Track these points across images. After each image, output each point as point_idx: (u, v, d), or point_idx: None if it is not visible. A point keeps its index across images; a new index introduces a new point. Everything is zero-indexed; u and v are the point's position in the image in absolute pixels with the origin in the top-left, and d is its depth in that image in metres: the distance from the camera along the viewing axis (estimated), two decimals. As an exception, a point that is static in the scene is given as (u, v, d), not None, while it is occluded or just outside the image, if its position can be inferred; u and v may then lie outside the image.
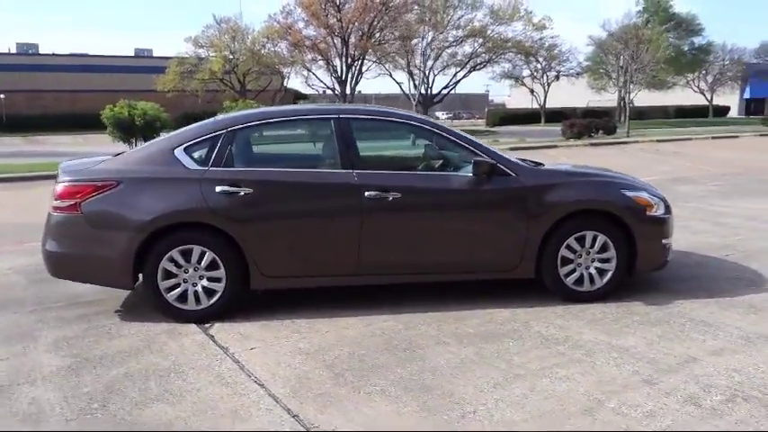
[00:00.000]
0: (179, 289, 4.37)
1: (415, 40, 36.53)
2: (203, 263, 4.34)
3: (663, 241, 4.77)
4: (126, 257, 4.29)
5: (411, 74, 38.96)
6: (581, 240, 4.61)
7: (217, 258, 4.33)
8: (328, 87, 35.83)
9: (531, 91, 51.16)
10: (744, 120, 49.20)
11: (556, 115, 45.44)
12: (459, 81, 41.32)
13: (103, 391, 3.36)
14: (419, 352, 3.82)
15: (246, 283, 4.44)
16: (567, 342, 3.93)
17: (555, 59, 48.37)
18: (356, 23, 32.15)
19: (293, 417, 3.07)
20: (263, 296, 4.81)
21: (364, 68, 35.81)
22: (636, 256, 4.65)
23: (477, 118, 65.52)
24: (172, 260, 4.32)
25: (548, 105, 51.12)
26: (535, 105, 53.78)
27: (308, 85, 37.38)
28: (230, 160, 4.47)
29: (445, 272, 4.69)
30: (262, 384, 3.42)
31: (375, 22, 32.73)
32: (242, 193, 4.34)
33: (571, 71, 51.31)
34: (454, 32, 38.46)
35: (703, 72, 55.14)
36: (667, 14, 47.95)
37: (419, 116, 5.44)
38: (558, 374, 3.47)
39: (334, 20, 32.12)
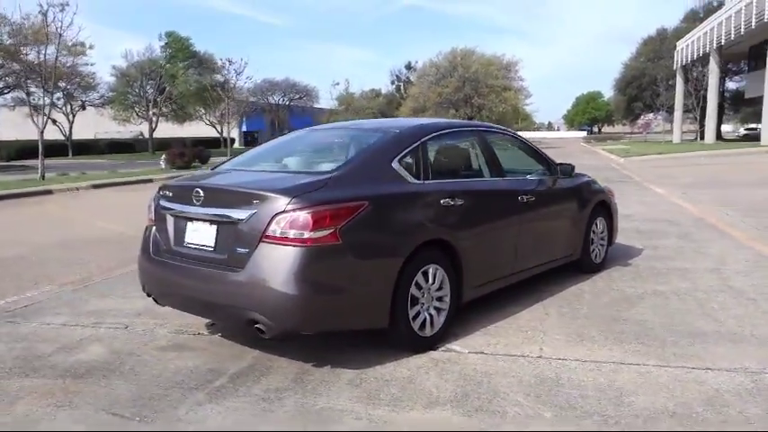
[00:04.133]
0: (421, 315, 3.82)
1: None
2: (436, 282, 3.91)
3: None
4: (387, 288, 3.56)
5: None
6: (597, 225, 5.95)
7: (445, 275, 3.97)
8: None
9: (54, 121, 46.55)
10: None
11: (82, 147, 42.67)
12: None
13: None
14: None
15: (459, 297, 4.16)
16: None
17: (86, 87, 45.52)
18: None
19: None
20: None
21: None
22: (613, 229, 6.28)
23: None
24: (416, 284, 3.77)
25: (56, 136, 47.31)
26: (59, 136, 49.10)
27: None
28: (430, 171, 4.14)
29: (547, 263, 5.27)
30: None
31: None
32: (458, 205, 4.10)
33: (96, 101, 49.16)
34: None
35: (211, 108, 60.15)
36: (189, 52, 51.09)
37: (507, 129, 5.80)
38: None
39: None
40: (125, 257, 6.90)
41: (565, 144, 57.69)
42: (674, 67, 52.79)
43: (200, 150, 27.14)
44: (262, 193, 3.41)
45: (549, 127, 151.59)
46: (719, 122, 49.75)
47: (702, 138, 47.59)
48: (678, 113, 51.17)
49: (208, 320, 4.50)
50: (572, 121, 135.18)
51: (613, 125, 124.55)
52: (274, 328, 3.33)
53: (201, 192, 3.64)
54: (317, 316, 3.37)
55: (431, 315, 3.89)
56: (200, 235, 3.66)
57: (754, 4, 33.90)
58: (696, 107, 40.52)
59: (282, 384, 3.40)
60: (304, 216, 3.27)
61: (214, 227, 3.59)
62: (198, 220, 3.69)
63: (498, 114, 53.22)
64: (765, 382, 3.31)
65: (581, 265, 5.73)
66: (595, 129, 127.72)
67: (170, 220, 3.87)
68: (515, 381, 3.39)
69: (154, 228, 4.02)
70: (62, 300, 5.29)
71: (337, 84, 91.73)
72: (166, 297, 3.95)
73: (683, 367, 3.54)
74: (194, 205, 3.67)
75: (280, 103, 76.51)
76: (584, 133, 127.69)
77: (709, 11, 55.82)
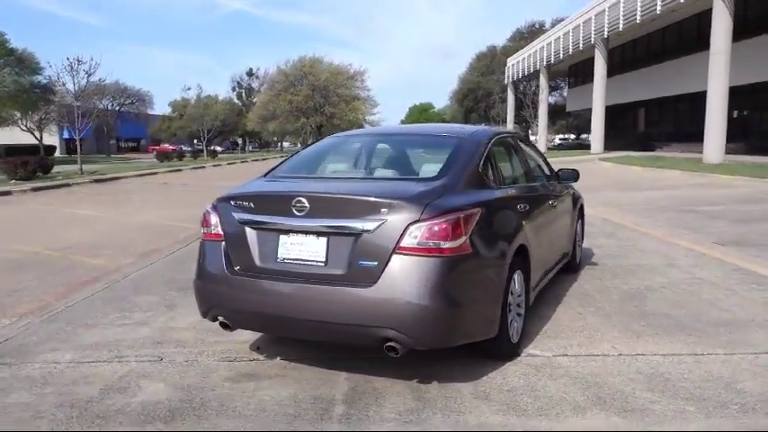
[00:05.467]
0: (513, 322, 3.82)
1: None
2: (519, 288, 3.92)
3: None
4: (500, 296, 3.52)
5: None
6: (578, 226, 6.33)
7: (523, 281, 4.00)
8: None
9: None
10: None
11: None
12: None
13: None
14: (656, 313, 4.85)
15: (527, 301, 4.19)
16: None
17: None
18: None
19: None
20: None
21: None
22: (583, 230, 6.71)
23: None
24: (510, 291, 3.75)
25: None
26: None
27: None
28: (501, 177, 4.16)
29: (559, 263, 5.47)
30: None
31: None
32: (526, 210, 4.17)
33: None
34: None
35: (30, 112, 54.04)
36: (6, 49, 45.39)
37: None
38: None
39: None
40: (69, 280, 6.02)
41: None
42: (506, 82, 57.48)
43: (41, 159, 24.22)
44: (392, 201, 3.17)
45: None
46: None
47: (534, 147, 52.29)
48: (510, 125, 55.70)
49: (251, 341, 4.09)
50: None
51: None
52: (412, 344, 3.12)
53: (306, 201, 3.28)
54: (454, 329, 3.21)
55: (515, 321, 3.88)
56: (305, 249, 3.30)
57: (570, 33, 38.16)
58: (533, 119, 44.38)
59: (410, 405, 3.19)
60: (442, 225, 3.11)
61: (323, 239, 3.27)
62: (299, 232, 3.33)
63: (348, 123, 54.04)
64: (824, 360, 3.74)
65: (570, 265, 6.04)
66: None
67: (251, 234, 3.45)
68: (626, 379, 3.50)
69: (223, 244, 3.55)
70: (42, 334, 4.48)
71: (189, 89, 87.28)
72: (248, 320, 3.52)
73: (749, 353, 3.88)
74: (294, 216, 3.31)
75: (109, 108, 70.80)
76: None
77: (533, 32, 61.64)
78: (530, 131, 47.22)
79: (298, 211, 3.28)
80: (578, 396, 3.28)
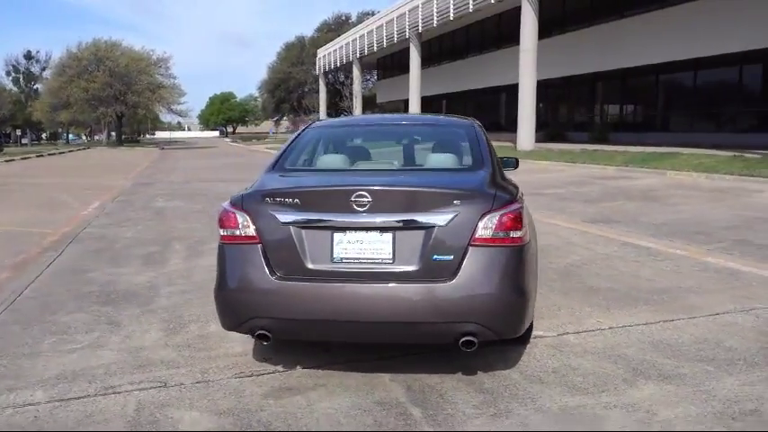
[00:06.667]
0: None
1: None
2: None
3: None
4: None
5: None
6: None
7: None
8: None
9: None
10: None
11: None
12: None
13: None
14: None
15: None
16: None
17: None
18: None
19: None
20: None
21: None
22: None
23: None
24: None
25: None
26: None
27: None
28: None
29: None
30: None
31: None
32: None
33: None
34: None
35: None
36: None
37: None
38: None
39: None
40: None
41: (215, 144, 58.00)
42: (317, 73, 57.99)
43: None
44: (465, 192, 3.10)
45: (180, 127, 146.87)
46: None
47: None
48: (322, 115, 56.39)
49: (248, 353, 3.72)
50: (207, 120, 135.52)
51: (247, 125, 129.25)
52: (492, 336, 3.09)
53: (369, 195, 3.05)
54: (526, 317, 3.23)
55: None
56: (366, 246, 3.07)
57: (384, 26, 39.79)
58: (352, 110, 45.27)
59: (480, 398, 3.15)
60: (510, 215, 3.10)
61: (388, 235, 3.07)
62: (359, 229, 3.08)
63: (153, 113, 50.49)
64: (763, 317, 4.41)
65: None
66: (230, 129, 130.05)
67: (298, 234, 3.11)
68: (638, 349, 3.81)
69: (259, 246, 3.15)
70: (-25, 371, 3.61)
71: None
72: (298, 328, 3.17)
73: (705, 315, 4.44)
74: (354, 212, 3.05)
75: None
76: (217, 133, 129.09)
77: (340, 24, 62.85)
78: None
79: (358, 206, 3.05)
80: (616, 369, 3.50)
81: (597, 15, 27.27)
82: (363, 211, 3.05)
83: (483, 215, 3.06)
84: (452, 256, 3.03)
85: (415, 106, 35.63)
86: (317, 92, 57.55)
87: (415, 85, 35.78)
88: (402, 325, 3.05)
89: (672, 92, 26.64)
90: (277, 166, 3.75)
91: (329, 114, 56.98)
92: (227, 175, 19.21)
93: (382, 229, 3.07)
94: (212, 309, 4.67)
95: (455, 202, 3.06)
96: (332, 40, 56.20)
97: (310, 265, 3.09)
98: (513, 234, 3.10)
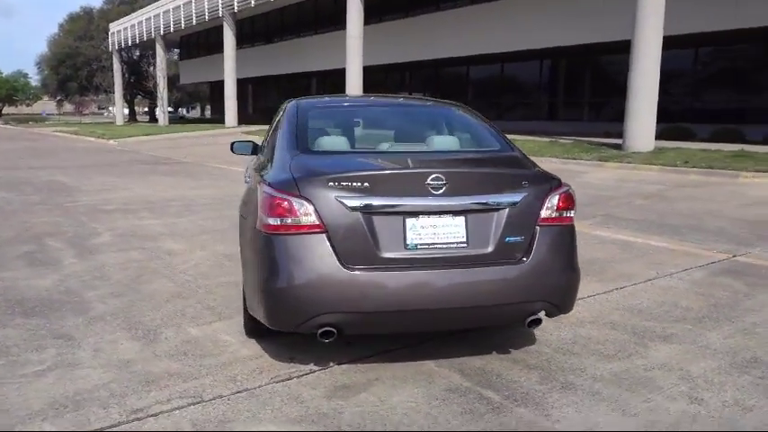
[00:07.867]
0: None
1: None
2: None
3: None
4: None
5: None
6: None
7: None
8: None
9: None
10: None
11: None
12: None
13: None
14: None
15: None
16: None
17: None
18: None
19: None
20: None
21: None
22: None
23: None
24: None
25: None
26: None
27: None
28: None
29: None
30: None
31: None
32: None
33: None
34: None
35: None
36: None
37: None
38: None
39: None
40: None
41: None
42: (110, 49, 52.94)
43: None
44: (532, 173, 3.15)
45: None
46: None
47: (156, 120, 49.88)
48: (118, 95, 51.82)
49: (262, 355, 3.42)
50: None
51: (16, 106, 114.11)
52: (557, 313, 3.21)
53: (444, 178, 2.93)
54: (577, 292, 3.36)
55: None
56: (440, 231, 2.96)
57: (193, 3, 37.79)
58: (156, 90, 41.89)
59: (535, 376, 3.24)
60: (566, 195, 3.22)
61: (460, 218, 2.99)
62: (433, 213, 2.95)
63: None
64: (686, 279, 5.11)
65: None
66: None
67: (365, 220, 2.89)
68: (627, 314, 4.20)
69: (325, 235, 2.87)
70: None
71: None
72: (373, 321, 2.95)
73: (646, 281, 5.01)
74: (430, 195, 2.92)
75: None
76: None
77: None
78: (159, 105, 44.61)
79: (434, 189, 2.93)
80: (622, 335, 3.83)
81: (416, 6, 28.57)
82: (439, 194, 2.95)
83: (545, 195, 3.14)
84: (523, 237, 3.07)
85: (230, 89, 34.28)
86: (111, 70, 52.52)
87: (230, 66, 34.39)
88: (479, 309, 3.02)
89: (480, 83, 29.07)
90: (300, 146, 3.41)
91: (130, 96, 52.54)
92: (35, 162, 16.80)
93: (455, 213, 3.00)
94: (171, 310, 4.23)
95: (524, 183, 3.11)
96: (127, 13, 51.54)
97: (384, 254, 2.91)
98: (568, 213, 3.23)
